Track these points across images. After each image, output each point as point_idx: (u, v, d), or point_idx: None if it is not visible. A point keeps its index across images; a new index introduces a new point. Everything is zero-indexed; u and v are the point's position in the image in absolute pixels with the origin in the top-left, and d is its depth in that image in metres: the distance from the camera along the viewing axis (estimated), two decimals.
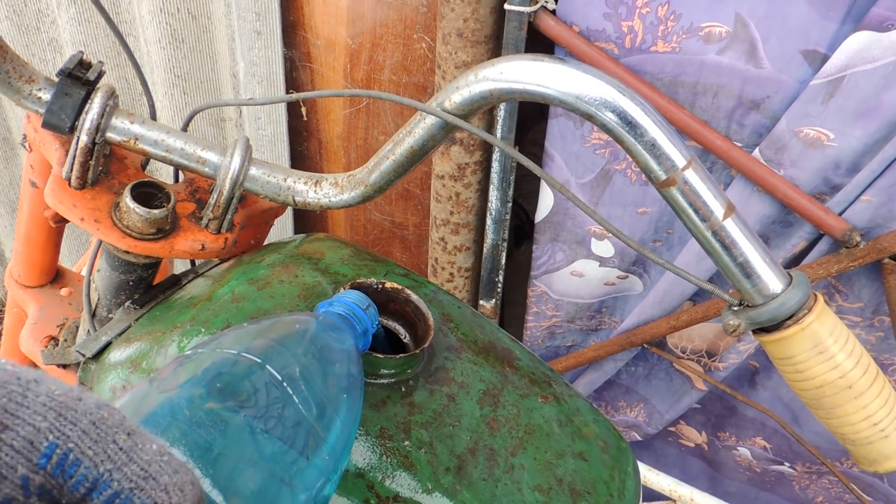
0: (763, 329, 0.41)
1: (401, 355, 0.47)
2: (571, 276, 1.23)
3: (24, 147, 0.60)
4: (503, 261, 1.24)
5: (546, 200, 1.16)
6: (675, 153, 0.38)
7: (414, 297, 0.51)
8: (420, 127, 0.48)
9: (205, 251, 0.57)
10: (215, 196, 0.56)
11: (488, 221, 1.18)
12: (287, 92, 1.34)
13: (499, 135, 1.08)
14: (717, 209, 0.39)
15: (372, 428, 0.46)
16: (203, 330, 0.49)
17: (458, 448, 0.47)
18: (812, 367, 0.39)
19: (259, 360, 0.33)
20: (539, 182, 1.23)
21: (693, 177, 0.38)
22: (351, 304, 0.44)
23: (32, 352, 0.67)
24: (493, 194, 1.14)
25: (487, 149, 1.14)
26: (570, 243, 1.19)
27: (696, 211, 0.39)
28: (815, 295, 0.42)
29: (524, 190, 1.42)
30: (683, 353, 1.27)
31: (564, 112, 1.06)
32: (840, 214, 0.92)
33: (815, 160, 0.91)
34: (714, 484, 1.49)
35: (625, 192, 1.10)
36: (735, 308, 0.42)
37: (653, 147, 0.38)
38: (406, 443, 0.46)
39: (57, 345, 0.68)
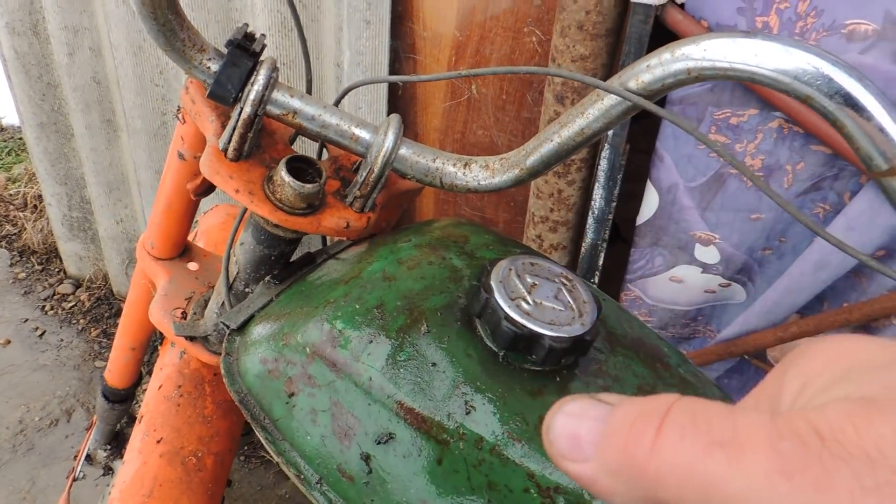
0: None
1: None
2: (670, 281, 1.20)
3: (178, 119, 0.61)
4: (601, 262, 1.21)
5: (650, 203, 1.13)
6: None
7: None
8: (595, 108, 0.46)
9: (349, 229, 0.56)
10: (364, 174, 0.55)
11: (589, 220, 1.16)
12: (390, 86, 1.34)
13: (609, 134, 1.06)
14: None
15: (531, 416, 0.45)
16: (357, 306, 0.49)
17: None
18: None
19: None
20: (639, 181, 1.20)
21: None
22: None
23: (163, 323, 0.68)
24: (598, 192, 1.12)
25: (595, 145, 1.12)
26: (672, 248, 1.15)
27: None
28: None
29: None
30: None
31: (681, 111, 1.03)
32: None
33: None
34: None
35: (738, 197, 1.06)
36: None
37: (880, 133, 0.35)
38: None
39: (185, 318, 0.69)
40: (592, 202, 1.14)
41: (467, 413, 0.44)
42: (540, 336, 0.45)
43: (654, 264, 1.19)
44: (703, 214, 1.09)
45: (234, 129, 0.53)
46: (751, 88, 0.96)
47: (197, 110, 0.57)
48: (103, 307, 1.85)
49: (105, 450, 1.01)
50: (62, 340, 1.76)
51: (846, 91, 0.36)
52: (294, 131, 0.60)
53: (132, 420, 1.04)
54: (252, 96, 0.51)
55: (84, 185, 1.87)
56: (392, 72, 1.32)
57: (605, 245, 1.19)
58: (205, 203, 0.88)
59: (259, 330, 0.53)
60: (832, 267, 1.03)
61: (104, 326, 1.80)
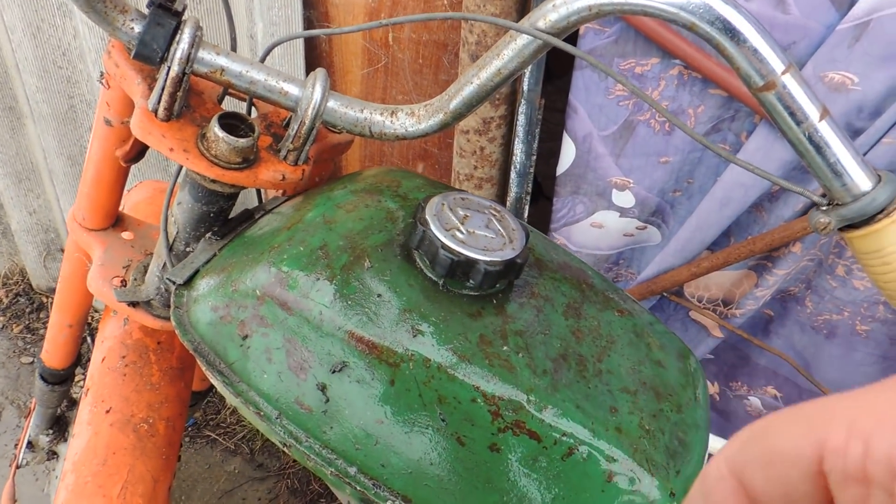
0: (851, 226, 0.45)
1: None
2: (591, 227, 1.26)
3: (102, 84, 0.61)
4: (526, 214, 1.26)
5: (567, 153, 1.19)
6: (775, 59, 0.41)
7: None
8: (509, 48, 0.50)
9: (285, 181, 0.58)
10: (296, 127, 0.57)
11: (512, 175, 1.20)
12: (307, 56, 1.34)
13: (525, 87, 1.10)
14: (813, 112, 0.42)
15: (472, 335, 0.49)
16: (302, 248, 0.51)
17: (551, 353, 0.50)
18: None
19: None
20: (558, 139, 1.26)
21: (791, 81, 0.41)
22: None
23: (103, 292, 0.68)
24: (518, 147, 1.16)
25: (512, 103, 1.16)
26: (591, 195, 1.22)
27: (792, 114, 0.42)
28: None
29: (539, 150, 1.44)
30: (700, 302, 1.31)
31: (589, 64, 1.08)
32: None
33: (839, 104, 0.94)
34: (723, 433, 1.54)
35: (648, 143, 1.12)
36: (824, 208, 0.45)
37: (754, 53, 0.40)
38: (505, 348, 0.49)
39: (125, 285, 0.69)
40: (514, 157, 1.18)
41: (414, 336, 0.48)
42: (475, 261, 0.49)
43: (576, 212, 1.25)
44: (616, 161, 1.15)
45: (162, 89, 0.54)
46: (651, 39, 1.02)
47: (122, 74, 0.57)
48: (23, 302, 1.79)
49: (47, 434, 0.99)
50: None
51: (724, 17, 0.40)
52: (222, 90, 0.61)
53: (73, 403, 1.02)
54: (178, 55, 0.52)
55: None
56: (307, 41, 1.33)
57: (528, 198, 1.24)
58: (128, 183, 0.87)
59: (206, 282, 0.55)
60: (735, 203, 1.12)
61: (27, 322, 1.74)
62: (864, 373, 1.24)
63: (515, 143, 1.16)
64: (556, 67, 1.31)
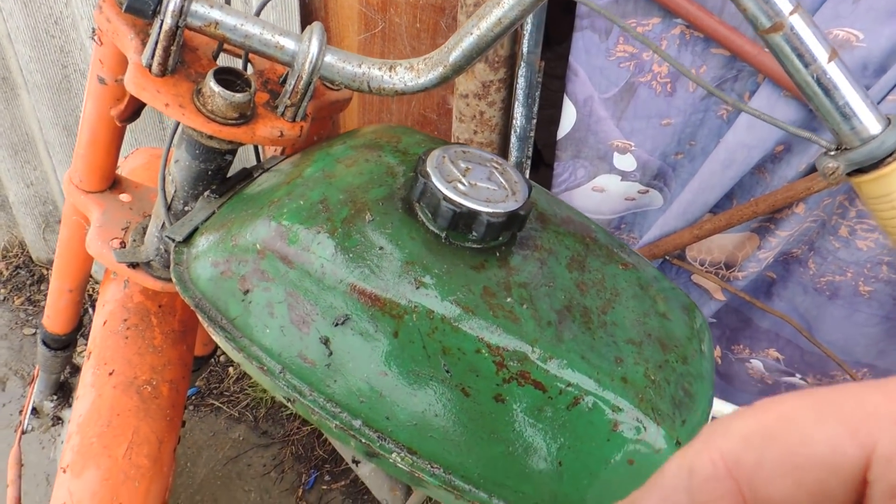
0: (860, 170, 0.44)
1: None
2: (593, 191, 1.26)
3: (94, 40, 0.59)
4: None
5: (568, 117, 1.17)
6: None
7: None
8: None
9: (283, 138, 0.58)
10: (293, 82, 0.56)
11: (512, 139, 1.19)
12: (302, 22, 1.32)
13: (525, 49, 1.09)
14: (822, 53, 0.41)
15: (475, 287, 0.48)
16: (302, 202, 0.51)
17: (556, 305, 0.50)
18: None
19: None
20: (557, 106, 1.24)
21: (799, 21, 0.40)
22: None
23: (101, 253, 0.68)
24: (518, 111, 1.15)
25: (511, 66, 1.14)
26: (592, 159, 1.21)
27: (800, 56, 0.41)
28: None
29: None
30: (702, 265, 1.30)
31: (590, 24, 1.07)
32: None
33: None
34: (725, 396, 1.55)
35: (649, 105, 1.11)
36: (832, 152, 0.45)
37: None
38: (508, 299, 0.48)
39: (125, 246, 0.69)
40: (514, 121, 1.17)
41: (417, 288, 0.48)
42: (477, 213, 0.48)
43: (577, 176, 1.24)
44: (618, 123, 1.14)
45: (156, 43, 0.53)
46: None
47: (114, 29, 0.56)
48: (23, 275, 1.79)
49: (51, 400, 0.99)
50: None
51: None
52: (217, 45, 0.60)
53: (76, 370, 1.02)
54: (171, 7, 0.51)
55: None
56: (302, 4, 1.30)
57: (528, 163, 1.23)
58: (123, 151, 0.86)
59: (206, 238, 0.54)
60: (738, 164, 1.11)
61: (28, 294, 1.74)
62: (866, 334, 1.24)
63: (515, 106, 1.15)
64: (554, 32, 1.29)
